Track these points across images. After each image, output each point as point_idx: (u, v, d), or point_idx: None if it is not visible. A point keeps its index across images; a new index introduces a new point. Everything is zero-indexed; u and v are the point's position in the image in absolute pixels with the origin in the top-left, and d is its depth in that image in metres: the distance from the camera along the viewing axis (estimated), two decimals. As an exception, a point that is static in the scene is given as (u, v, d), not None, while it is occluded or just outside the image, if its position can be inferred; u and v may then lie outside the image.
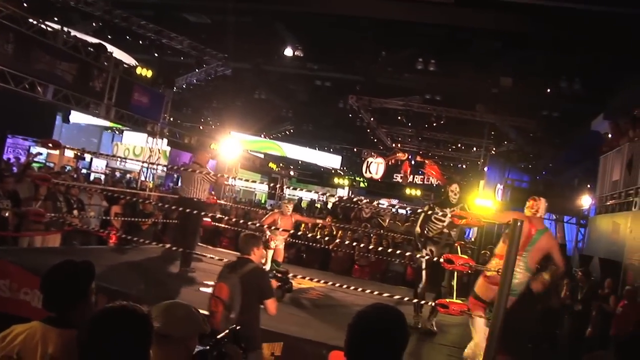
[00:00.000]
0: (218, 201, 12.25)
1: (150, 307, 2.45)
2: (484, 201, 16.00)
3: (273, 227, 9.05)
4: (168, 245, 8.86)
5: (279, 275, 5.31)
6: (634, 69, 14.75)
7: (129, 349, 2.03)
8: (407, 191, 25.24)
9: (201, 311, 2.96)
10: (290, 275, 8.17)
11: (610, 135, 15.30)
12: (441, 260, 6.01)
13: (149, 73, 16.24)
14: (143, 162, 17.94)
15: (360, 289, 6.98)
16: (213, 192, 14.52)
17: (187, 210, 7.68)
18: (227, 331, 2.88)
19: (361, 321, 2.20)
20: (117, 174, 25.71)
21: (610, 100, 16.50)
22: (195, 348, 2.72)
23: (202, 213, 8.60)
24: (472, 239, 16.83)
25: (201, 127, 28.83)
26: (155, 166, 17.68)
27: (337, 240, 12.97)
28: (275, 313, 4.89)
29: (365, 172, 17.89)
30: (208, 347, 2.73)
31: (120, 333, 2.03)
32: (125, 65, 15.86)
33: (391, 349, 2.16)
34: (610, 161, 14.32)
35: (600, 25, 12.75)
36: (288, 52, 22.98)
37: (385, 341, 2.14)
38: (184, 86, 25.41)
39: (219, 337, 2.82)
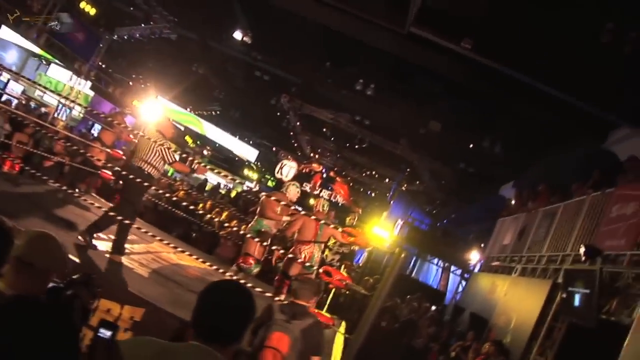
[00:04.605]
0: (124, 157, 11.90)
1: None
2: (381, 231, 16.27)
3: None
4: (65, 187, 8.59)
5: None
6: (550, 150, 15.43)
7: None
8: (311, 201, 25.15)
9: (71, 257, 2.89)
10: (176, 248, 8.08)
11: (513, 202, 15.91)
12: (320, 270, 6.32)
13: (92, 10, 15.78)
14: (63, 97, 17.21)
15: (243, 281, 6.98)
16: (124, 148, 14.16)
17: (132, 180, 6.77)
18: (81, 274, 2.81)
19: (209, 292, 2.22)
20: (32, 104, 24.65)
21: (522, 172, 17.17)
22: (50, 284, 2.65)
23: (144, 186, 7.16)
24: (360, 264, 17.11)
25: (130, 83, 28.09)
26: (73, 106, 16.99)
27: (234, 229, 12.87)
28: None
29: (277, 173, 17.86)
30: (62, 285, 2.66)
31: None
32: (69, -6, 15.33)
33: (235, 321, 2.18)
34: (506, 225, 14.88)
35: (535, 100, 13.21)
36: (237, 35, 22.71)
37: (229, 313, 2.16)
38: (125, 37, 24.69)
39: (74, 277, 2.75)
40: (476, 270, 16.53)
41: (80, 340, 1.53)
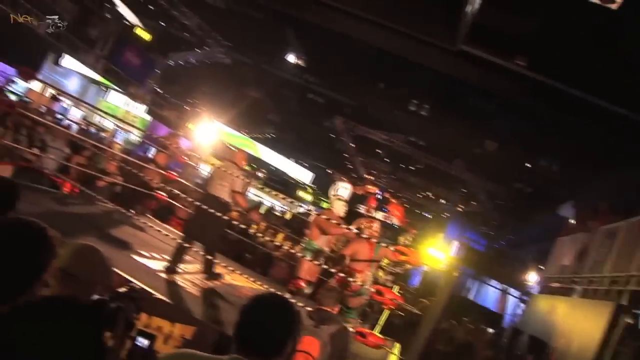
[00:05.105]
0: (178, 179, 12.04)
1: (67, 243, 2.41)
2: (436, 252, 16.04)
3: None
4: (120, 208, 8.75)
5: None
6: (611, 167, 15.02)
7: (22, 259, 1.98)
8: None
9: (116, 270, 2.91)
10: (228, 268, 8.11)
11: (572, 222, 15.51)
12: (371, 289, 6.23)
13: (147, 36, 16.17)
14: (120, 120, 17.62)
15: (294, 301, 6.94)
16: (180, 171, 14.36)
17: (211, 209, 6.92)
18: (127, 288, 2.82)
19: (251, 305, 2.21)
20: (92, 129, 25.29)
21: (581, 191, 16.73)
22: (94, 296, 2.67)
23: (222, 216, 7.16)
24: (416, 286, 16.94)
25: (187, 108, 28.60)
26: (130, 128, 17.36)
27: (286, 248, 12.84)
28: None
29: (331, 194, 17.94)
30: (108, 298, 2.68)
31: (12, 242, 1.98)
32: (126, 22, 15.73)
33: (277, 335, 2.17)
34: (565, 246, 14.50)
35: (594, 117, 12.88)
36: (291, 58, 22.94)
37: (270, 327, 2.14)
38: (180, 62, 25.20)
39: (120, 290, 2.77)
40: (535, 291, 16.13)
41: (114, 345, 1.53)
